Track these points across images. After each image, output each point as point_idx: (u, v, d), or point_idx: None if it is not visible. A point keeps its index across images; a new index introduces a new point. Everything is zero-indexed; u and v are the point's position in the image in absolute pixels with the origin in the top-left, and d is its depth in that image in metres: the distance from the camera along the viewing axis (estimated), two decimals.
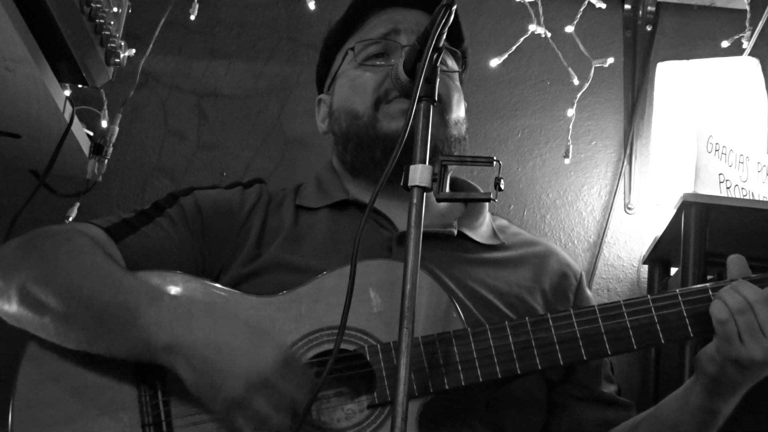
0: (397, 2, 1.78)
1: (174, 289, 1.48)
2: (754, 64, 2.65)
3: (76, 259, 1.48)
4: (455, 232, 1.68)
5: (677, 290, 1.45)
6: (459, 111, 1.75)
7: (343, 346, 1.38)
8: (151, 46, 2.63)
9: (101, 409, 1.41)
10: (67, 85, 2.14)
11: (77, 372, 1.43)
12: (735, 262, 1.48)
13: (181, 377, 1.35)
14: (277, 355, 1.34)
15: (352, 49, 1.77)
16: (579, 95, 2.80)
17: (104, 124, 2.39)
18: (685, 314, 1.43)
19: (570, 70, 2.79)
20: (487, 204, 1.79)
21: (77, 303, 1.42)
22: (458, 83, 1.79)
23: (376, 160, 1.67)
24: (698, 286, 1.46)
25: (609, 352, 1.44)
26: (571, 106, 2.82)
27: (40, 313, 1.43)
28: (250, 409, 1.31)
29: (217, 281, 1.56)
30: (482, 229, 1.73)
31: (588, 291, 1.76)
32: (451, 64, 1.79)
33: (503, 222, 1.82)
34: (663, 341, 1.43)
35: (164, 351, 1.36)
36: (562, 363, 1.43)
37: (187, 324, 1.37)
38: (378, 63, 1.73)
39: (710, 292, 1.43)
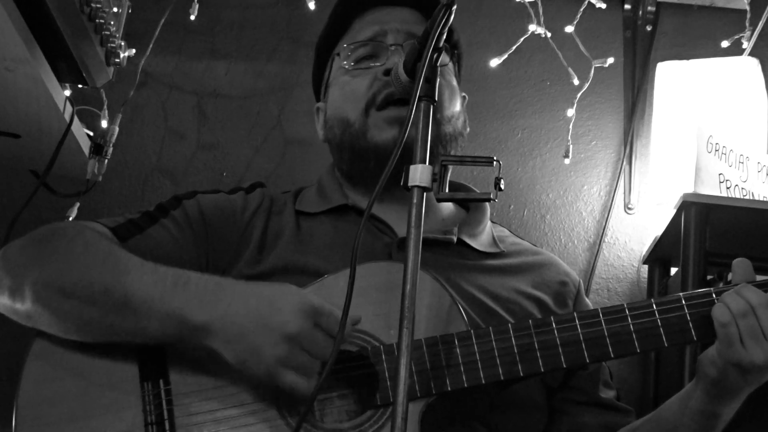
0: (380, 2, 1.78)
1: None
2: (754, 64, 2.66)
3: (91, 248, 1.49)
4: (455, 239, 1.68)
5: (681, 294, 1.45)
6: (452, 107, 1.74)
7: (345, 346, 1.38)
8: (151, 46, 2.63)
9: (105, 408, 1.41)
10: (67, 85, 2.14)
11: (81, 371, 1.43)
12: (739, 266, 1.48)
13: (219, 353, 1.37)
14: (302, 306, 1.35)
15: (340, 54, 1.77)
16: (579, 95, 2.81)
17: (104, 124, 2.39)
18: (688, 318, 1.43)
19: (570, 70, 2.79)
20: (488, 212, 1.79)
21: (98, 290, 1.42)
22: (450, 77, 1.78)
23: (370, 169, 1.67)
24: (702, 290, 1.46)
25: (612, 355, 1.43)
26: (571, 106, 2.82)
27: (57, 307, 1.42)
28: (292, 361, 1.33)
29: None
30: (482, 237, 1.73)
31: (587, 299, 1.76)
32: (441, 57, 1.77)
33: (503, 231, 1.82)
34: (666, 344, 1.43)
35: (199, 331, 1.37)
36: (564, 366, 1.43)
37: (216, 301, 1.38)
38: (367, 65, 1.73)
39: (714, 296, 1.43)
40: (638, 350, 1.43)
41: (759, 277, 1.47)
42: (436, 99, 1.66)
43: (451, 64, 1.79)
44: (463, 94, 1.82)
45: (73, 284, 1.43)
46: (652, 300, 1.45)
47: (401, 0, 1.76)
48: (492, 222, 1.81)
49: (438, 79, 1.68)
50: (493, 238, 1.75)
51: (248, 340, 1.34)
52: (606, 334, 1.43)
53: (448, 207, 1.77)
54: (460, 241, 1.68)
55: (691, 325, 1.43)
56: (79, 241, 1.50)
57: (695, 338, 1.43)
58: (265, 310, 1.35)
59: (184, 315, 1.37)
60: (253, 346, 1.34)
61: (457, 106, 1.76)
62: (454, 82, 1.79)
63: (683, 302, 1.44)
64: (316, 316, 1.35)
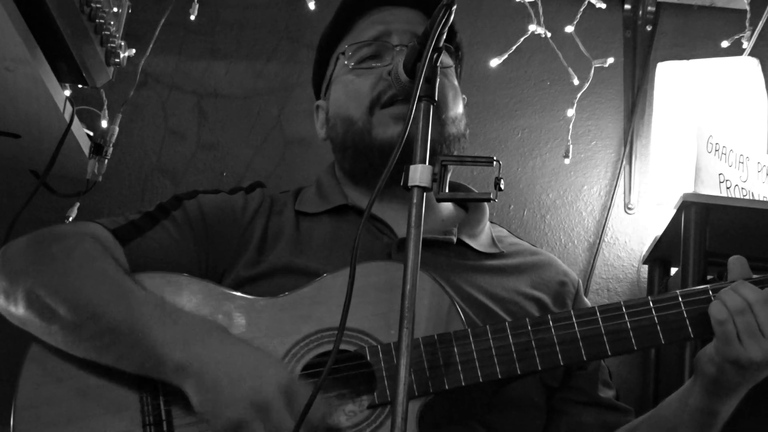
0: (385, 1, 1.78)
1: (181, 297, 1.48)
2: (754, 64, 2.66)
3: (86, 266, 1.48)
4: (454, 239, 1.68)
5: (678, 291, 1.45)
6: (456, 108, 1.74)
7: (343, 346, 1.38)
8: (151, 46, 2.63)
9: (103, 409, 1.41)
10: (67, 85, 2.14)
11: (79, 372, 1.44)
12: (736, 264, 1.48)
13: (188, 395, 1.36)
14: (282, 382, 1.34)
15: (344, 53, 1.76)
16: (579, 95, 2.80)
17: (104, 124, 2.39)
18: (685, 315, 1.43)
19: (570, 70, 2.79)
20: (487, 212, 1.79)
21: (87, 314, 1.42)
22: (453, 78, 1.78)
23: (374, 167, 1.66)
24: (699, 287, 1.46)
25: (609, 353, 1.43)
26: (571, 106, 2.82)
27: (47, 319, 1.43)
28: (245, 430, 1.31)
29: (219, 284, 1.56)
30: (481, 238, 1.73)
31: (586, 299, 1.76)
32: (445, 59, 1.78)
33: (502, 231, 1.82)
34: (663, 342, 1.43)
35: (175, 370, 1.36)
36: (562, 364, 1.43)
37: (200, 345, 1.38)
38: (371, 65, 1.73)
39: (711, 293, 1.43)
40: (635, 348, 1.43)
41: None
42: (441, 100, 1.67)
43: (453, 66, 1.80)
44: (463, 95, 1.82)
45: (63, 303, 1.43)
46: (649, 297, 1.45)
47: (405, 0, 1.76)
48: (491, 222, 1.81)
49: (441, 80, 1.69)
50: (492, 238, 1.75)
51: (217, 391, 1.33)
52: (603, 332, 1.43)
53: (447, 207, 1.77)
54: (460, 242, 1.68)
55: (688, 322, 1.43)
56: (77, 254, 1.50)
57: (692, 335, 1.43)
58: (244, 371, 1.34)
59: (165, 352, 1.37)
60: (218, 400, 1.33)
61: (460, 108, 1.76)
62: (457, 84, 1.79)
63: (680, 299, 1.44)
64: (294, 396, 1.33)
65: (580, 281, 1.78)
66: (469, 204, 1.79)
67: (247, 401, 1.32)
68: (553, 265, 1.75)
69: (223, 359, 1.36)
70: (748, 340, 1.38)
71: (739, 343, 1.38)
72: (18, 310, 1.45)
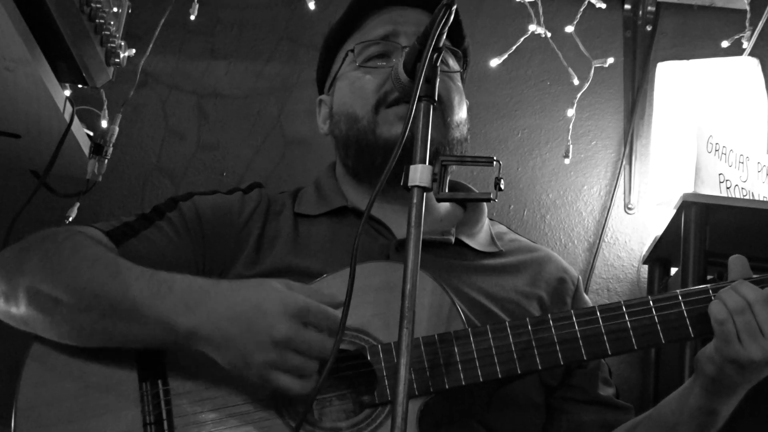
0: (396, 1, 1.78)
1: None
2: (754, 64, 2.65)
3: (79, 252, 1.49)
4: (453, 239, 1.68)
5: (678, 291, 1.45)
6: (460, 112, 1.74)
7: (343, 346, 1.38)
8: (151, 46, 2.63)
9: (104, 408, 1.41)
10: (67, 85, 2.14)
11: (80, 372, 1.44)
12: (736, 263, 1.48)
13: (211, 356, 1.36)
14: (290, 308, 1.34)
15: (352, 50, 1.76)
16: (579, 95, 2.80)
17: (104, 124, 2.39)
18: (685, 315, 1.43)
19: (570, 70, 2.79)
20: (485, 211, 1.79)
21: (88, 295, 1.42)
22: (459, 83, 1.79)
23: (377, 165, 1.67)
24: (699, 286, 1.46)
25: (609, 353, 1.44)
26: (571, 106, 2.82)
27: (50, 311, 1.43)
28: (284, 364, 1.32)
29: None
30: (480, 237, 1.73)
31: (585, 296, 1.76)
32: (453, 64, 1.78)
33: (501, 228, 1.82)
34: (664, 341, 1.43)
35: (187, 336, 1.37)
36: (562, 363, 1.43)
37: (201, 305, 1.37)
38: (378, 64, 1.73)
39: (711, 293, 1.43)
40: (636, 347, 1.43)
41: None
42: (447, 103, 1.68)
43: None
44: (466, 100, 1.82)
45: (64, 289, 1.43)
46: (649, 297, 1.45)
47: (417, 2, 1.76)
48: (490, 219, 1.81)
49: (448, 84, 1.70)
50: (491, 236, 1.75)
51: (236, 346, 1.34)
52: (603, 331, 1.43)
53: (445, 207, 1.77)
54: (458, 241, 1.68)
55: (688, 321, 1.43)
56: (67, 244, 1.50)
57: (692, 335, 1.43)
58: (250, 314, 1.34)
59: (171, 320, 1.37)
60: (242, 352, 1.34)
61: (465, 113, 1.77)
62: (462, 89, 1.79)
63: (680, 299, 1.44)
64: (304, 315, 1.34)
65: (580, 278, 1.79)
66: (467, 203, 1.79)
67: (267, 343, 1.32)
68: (552, 262, 1.75)
69: (227, 313, 1.35)
70: (747, 339, 1.38)
71: (738, 342, 1.38)
72: (20, 310, 1.45)
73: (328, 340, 1.33)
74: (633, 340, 1.43)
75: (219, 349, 1.36)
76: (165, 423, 1.40)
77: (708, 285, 1.45)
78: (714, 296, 1.42)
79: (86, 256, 1.48)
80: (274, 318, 1.33)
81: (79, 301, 1.41)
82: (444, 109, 1.68)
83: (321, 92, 1.90)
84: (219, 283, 1.43)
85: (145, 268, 1.45)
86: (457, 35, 1.75)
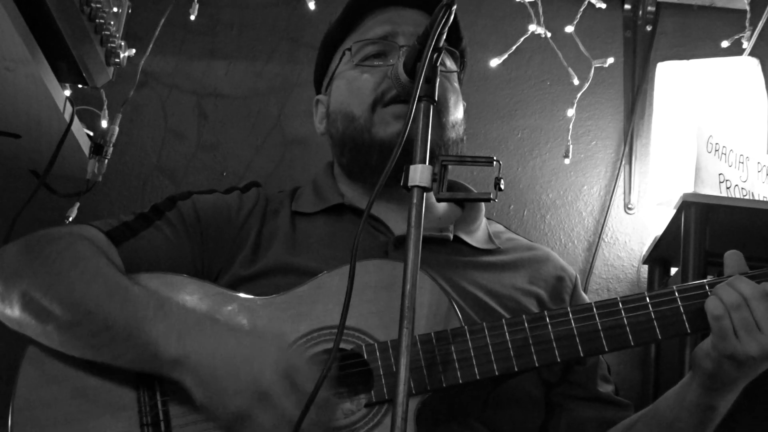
0: (394, 1, 1.78)
1: (177, 296, 1.48)
2: (754, 64, 2.65)
3: (79, 265, 1.48)
4: (451, 236, 1.68)
5: (674, 287, 1.45)
6: (456, 113, 1.75)
7: (341, 345, 1.38)
8: (151, 46, 2.63)
9: (101, 410, 1.41)
10: (67, 85, 2.14)
11: (77, 373, 1.43)
12: (732, 258, 1.48)
13: (188, 389, 1.35)
14: (282, 366, 1.33)
15: (350, 49, 1.76)
16: (579, 95, 2.80)
17: (104, 124, 2.40)
18: (682, 310, 1.43)
19: (570, 70, 2.79)
20: (483, 209, 1.79)
21: (82, 311, 1.41)
22: (456, 84, 1.79)
23: (372, 165, 1.67)
24: (695, 282, 1.46)
25: (606, 349, 1.43)
26: (571, 106, 2.82)
27: (43, 320, 1.42)
28: (254, 422, 1.31)
29: (215, 283, 1.56)
30: (478, 234, 1.73)
31: (584, 294, 1.76)
32: (450, 64, 1.78)
33: (499, 227, 1.83)
34: (660, 338, 1.43)
35: (172, 365, 1.36)
36: (559, 360, 1.43)
37: (194, 336, 1.36)
38: (376, 63, 1.73)
39: (707, 288, 1.43)
40: (632, 344, 1.43)
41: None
42: (443, 104, 1.68)
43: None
44: (462, 101, 1.82)
45: (58, 302, 1.42)
46: (646, 293, 1.45)
47: (416, 2, 1.76)
48: (488, 218, 1.81)
49: (444, 84, 1.70)
50: (489, 234, 1.76)
51: (217, 384, 1.32)
52: (600, 327, 1.43)
53: (443, 204, 1.77)
54: (457, 238, 1.69)
55: (684, 317, 1.43)
56: (69, 254, 1.50)
57: (689, 331, 1.43)
58: (241, 360, 1.33)
59: (159, 347, 1.36)
60: (220, 393, 1.32)
61: (461, 113, 1.77)
62: (459, 89, 1.79)
63: (677, 295, 1.44)
64: (295, 379, 1.32)
65: (578, 276, 1.79)
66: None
67: (247, 392, 1.31)
68: (550, 260, 1.76)
69: (219, 350, 1.35)
70: (744, 335, 1.37)
71: (735, 338, 1.38)
72: (14, 313, 1.45)
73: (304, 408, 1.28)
74: (630, 336, 1.43)
75: (200, 384, 1.34)
76: (162, 424, 1.40)
77: (704, 281, 1.45)
78: (710, 292, 1.42)
79: (86, 269, 1.47)
80: (263, 369, 1.31)
81: (72, 316, 1.41)
82: (440, 110, 1.68)
83: (318, 92, 1.90)
84: (217, 321, 1.43)
85: (144, 288, 1.44)
86: (454, 36, 1.74)
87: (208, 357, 1.34)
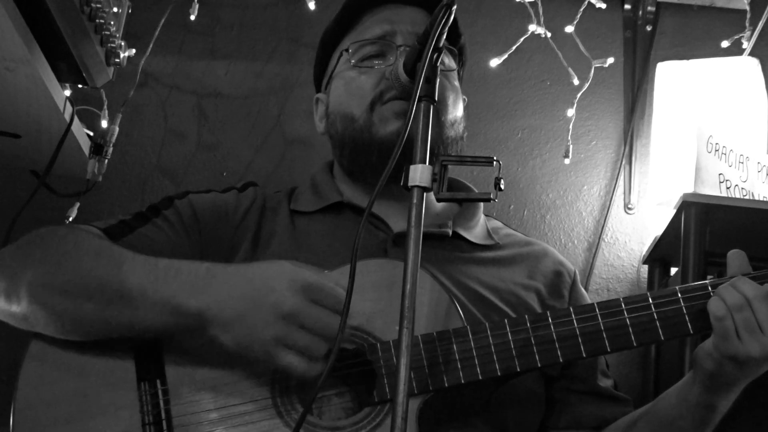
0: (392, 0, 1.78)
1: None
2: (754, 64, 2.65)
3: (83, 245, 1.49)
4: (450, 232, 1.68)
5: (677, 287, 1.45)
6: (455, 111, 1.75)
7: (342, 344, 1.38)
8: (151, 46, 2.63)
9: (102, 409, 1.41)
10: (67, 85, 2.14)
11: (78, 372, 1.44)
12: (735, 258, 1.48)
13: (217, 339, 1.36)
14: (297, 283, 1.34)
15: (347, 49, 1.76)
16: (579, 95, 2.80)
17: (104, 124, 2.39)
18: (684, 311, 1.43)
19: (570, 70, 2.79)
20: (481, 206, 1.79)
21: (95, 282, 1.42)
22: (456, 82, 1.79)
23: (372, 164, 1.67)
24: (698, 283, 1.46)
25: (608, 350, 1.44)
26: (571, 106, 2.82)
27: (53, 304, 1.42)
28: (291, 340, 1.32)
29: None
30: (477, 230, 1.73)
31: (582, 289, 1.77)
32: (448, 62, 1.78)
33: (497, 223, 1.83)
34: (663, 338, 1.43)
35: (196, 317, 1.36)
36: (561, 360, 1.43)
37: (207, 288, 1.37)
38: (374, 63, 1.73)
39: (710, 289, 1.43)
40: (635, 344, 1.43)
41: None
42: (442, 102, 1.68)
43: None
44: (464, 96, 1.82)
45: (68, 281, 1.43)
46: (648, 294, 1.45)
47: (413, 0, 1.76)
48: (486, 215, 1.81)
49: (443, 82, 1.70)
50: (488, 230, 1.76)
51: (244, 322, 1.33)
52: (602, 328, 1.43)
53: None
54: (455, 234, 1.69)
55: (687, 318, 1.43)
56: (70, 238, 1.51)
57: (691, 332, 1.43)
58: (258, 291, 1.34)
59: (178, 303, 1.37)
60: (250, 328, 1.33)
61: (460, 111, 1.77)
62: (459, 87, 1.79)
63: (679, 295, 1.44)
64: (311, 291, 1.34)
65: (576, 271, 1.79)
66: None
67: (274, 317, 1.32)
68: (548, 255, 1.76)
69: (235, 292, 1.36)
70: (746, 336, 1.38)
71: (737, 339, 1.38)
72: (21, 307, 1.45)
73: (334, 317, 1.32)
74: (632, 336, 1.43)
75: (226, 328, 1.35)
76: (164, 423, 1.40)
77: (707, 281, 1.45)
78: (713, 293, 1.42)
79: (89, 248, 1.48)
80: (281, 293, 1.33)
81: (84, 290, 1.41)
82: (439, 108, 1.68)
83: (318, 90, 1.90)
84: (226, 266, 1.43)
85: (148, 256, 1.45)
86: (453, 33, 1.74)
87: (227, 302, 1.35)
